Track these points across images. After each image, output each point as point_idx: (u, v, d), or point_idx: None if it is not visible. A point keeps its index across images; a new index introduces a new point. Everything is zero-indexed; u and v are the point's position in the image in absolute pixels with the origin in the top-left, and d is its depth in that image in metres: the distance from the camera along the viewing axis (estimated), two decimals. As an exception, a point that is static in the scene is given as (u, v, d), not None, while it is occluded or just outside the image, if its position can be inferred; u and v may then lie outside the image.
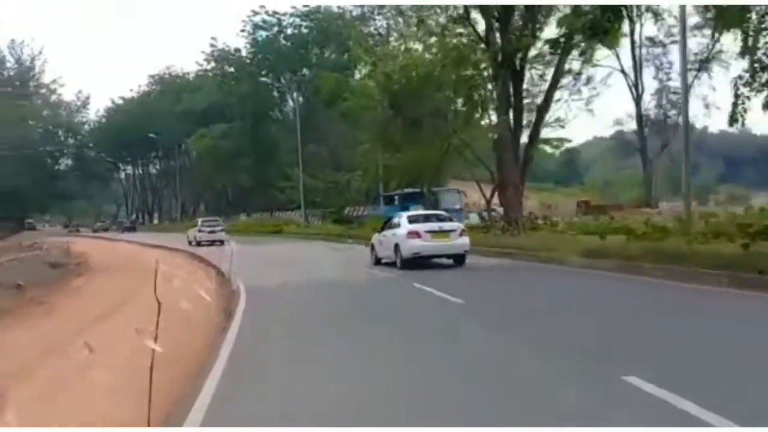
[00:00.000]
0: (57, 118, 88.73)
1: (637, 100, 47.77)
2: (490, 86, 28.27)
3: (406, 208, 36.52)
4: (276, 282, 13.90)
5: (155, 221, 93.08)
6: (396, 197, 39.51)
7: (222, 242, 32.91)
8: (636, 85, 47.42)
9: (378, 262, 16.62)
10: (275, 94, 63.00)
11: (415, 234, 14.88)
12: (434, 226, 15.31)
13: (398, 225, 15.74)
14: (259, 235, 42.28)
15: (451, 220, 16.70)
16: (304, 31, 58.76)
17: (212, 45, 63.81)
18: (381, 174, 39.37)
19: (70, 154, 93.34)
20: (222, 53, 63.27)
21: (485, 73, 27.59)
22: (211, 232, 34.92)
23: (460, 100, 29.75)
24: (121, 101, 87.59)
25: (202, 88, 68.78)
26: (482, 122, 30.46)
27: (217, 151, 58.50)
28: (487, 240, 18.86)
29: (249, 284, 13.09)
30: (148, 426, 4.18)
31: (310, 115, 56.66)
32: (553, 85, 21.93)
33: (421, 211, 20.42)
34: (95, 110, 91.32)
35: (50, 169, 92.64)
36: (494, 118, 29.16)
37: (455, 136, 31.31)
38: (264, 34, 59.77)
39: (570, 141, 48.25)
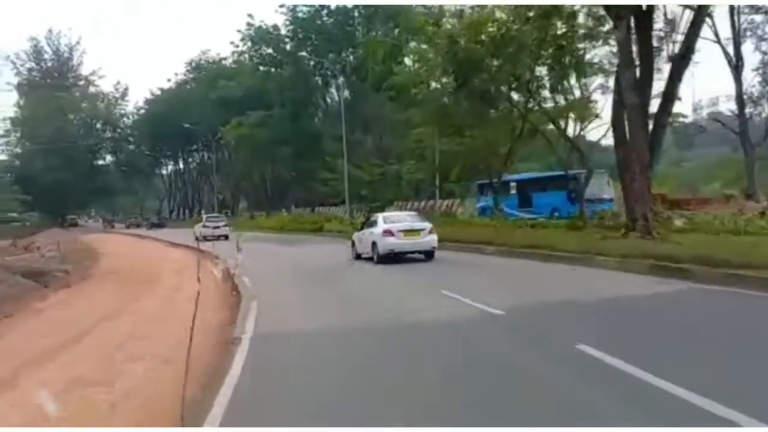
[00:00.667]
0: (95, 110, 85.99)
1: (737, 75, 40.53)
2: (582, 45, 22.42)
3: (527, 198, 30.77)
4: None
5: (194, 216, 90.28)
6: (516, 183, 32.91)
7: (226, 237, 34.48)
8: (737, 59, 40.21)
9: (358, 257, 17.90)
10: (317, 78, 57.40)
11: (389, 233, 16.22)
12: (406, 225, 16.81)
13: (375, 224, 17.26)
14: (296, 233, 37.37)
15: (421, 220, 17.91)
16: (349, 6, 53.12)
17: (249, 24, 58.62)
18: (437, 163, 33.76)
19: (109, 148, 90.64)
20: (259, 32, 57.96)
21: (579, 31, 21.75)
22: (215, 227, 36.36)
23: (543, 68, 24.04)
24: (159, 92, 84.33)
25: (238, 74, 64.08)
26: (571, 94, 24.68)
27: (253, 141, 53.38)
28: (629, 246, 12.92)
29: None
30: None
31: (356, 101, 51.28)
32: (697, 26, 15.69)
33: (395, 212, 22.58)
34: (134, 102, 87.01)
35: (91, 164, 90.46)
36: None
37: (534, 113, 25.60)
38: (305, 9, 54.24)
39: (686, 116, 41.56)
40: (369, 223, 18.08)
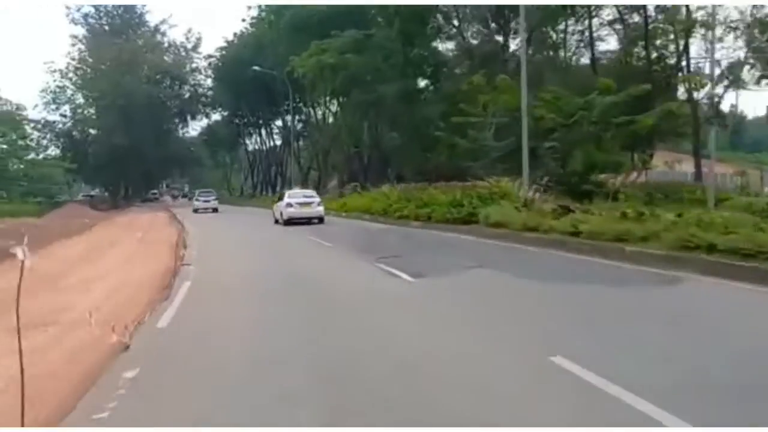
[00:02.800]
0: (165, 64, 70.90)
1: None
2: None
3: None
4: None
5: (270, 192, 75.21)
6: None
7: (215, 210, 41.06)
8: None
9: (276, 222, 25.37)
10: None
11: (289, 205, 24.36)
12: (301, 199, 25.08)
13: (282, 198, 26.00)
14: (425, 224, 19.64)
15: (314, 196, 26.56)
16: None
17: None
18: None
19: (187, 111, 75.34)
20: None
21: None
22: (205, 201, 42.89)
23: None
24: (233, 38, 67.53)
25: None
26: None
27: (339, 73, 35.39)
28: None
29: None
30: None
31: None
32: None
33: (296, 190, 29.72)
34: (205, 54, 70.38)
35: (169, 131, 77.16)
36: None
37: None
38: None
39: None
40: (280, 197, 27.37)
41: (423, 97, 36.78)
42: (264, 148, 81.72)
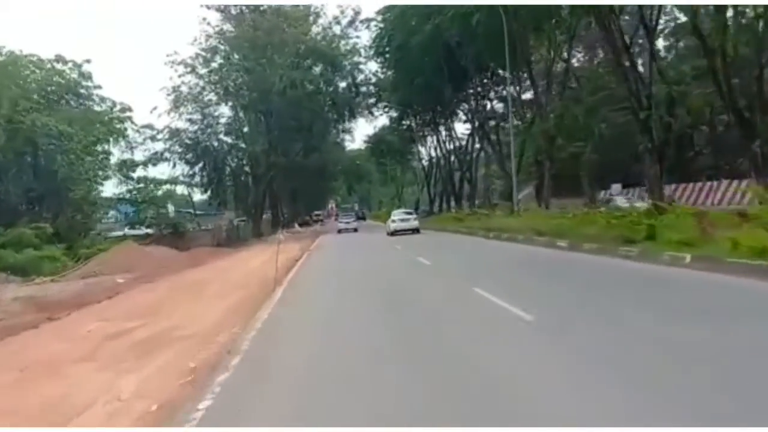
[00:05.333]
0: (315, 45, 52.30)
1: None
2: None
3: None
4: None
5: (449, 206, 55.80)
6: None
7: (355, 230, 43.72)
8: None
9: (388, 234, 32.22)
10: None
11: (393, 221, 33.56)
12: (403, 216, 34.73)
13: (390, 216, 36.40)
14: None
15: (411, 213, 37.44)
16: None
17: None
18: None
19: (345, 109, 57.08)
20: None
21: None
22: (347, 222, 46.02)
23: None
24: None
25: None
26: None
27: None
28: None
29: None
30: None
31: None
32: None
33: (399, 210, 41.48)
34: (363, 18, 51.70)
35: (328, 140, 61.96)
36: None
37: None
38: None
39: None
40: (390, 215, 37.40)
41: None
42: (444, 149, 62.39)
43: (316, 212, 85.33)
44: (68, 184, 32.17)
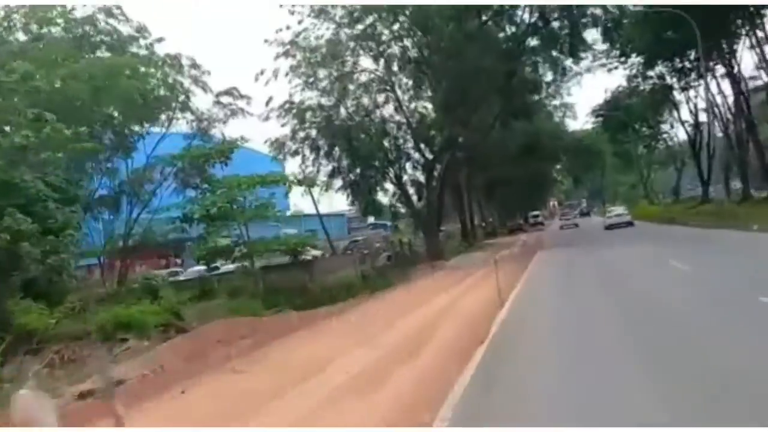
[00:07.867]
0: None
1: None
2: None
3: None
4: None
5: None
6: None
7: (576, 225, 49.47)
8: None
9: (605, 228, 38.18)
10: None
11: (609, 216, 41.64)
12: (617, 211, 43.30)
13: (606, 212, 48.29)
14: None
15: (623, 209, 45.14)
16: None
17: None
18: None
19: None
20: None
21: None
22: (566, 219, 52.79)
23: None
24: None
25: None
26: None
27: None
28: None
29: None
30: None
31: None
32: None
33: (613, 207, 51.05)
34: None
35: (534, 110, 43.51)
36: None
37: None
38: None
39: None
40: (605, 212, 48.75)
41: None
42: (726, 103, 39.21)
43: (533, 213, 66.71)
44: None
